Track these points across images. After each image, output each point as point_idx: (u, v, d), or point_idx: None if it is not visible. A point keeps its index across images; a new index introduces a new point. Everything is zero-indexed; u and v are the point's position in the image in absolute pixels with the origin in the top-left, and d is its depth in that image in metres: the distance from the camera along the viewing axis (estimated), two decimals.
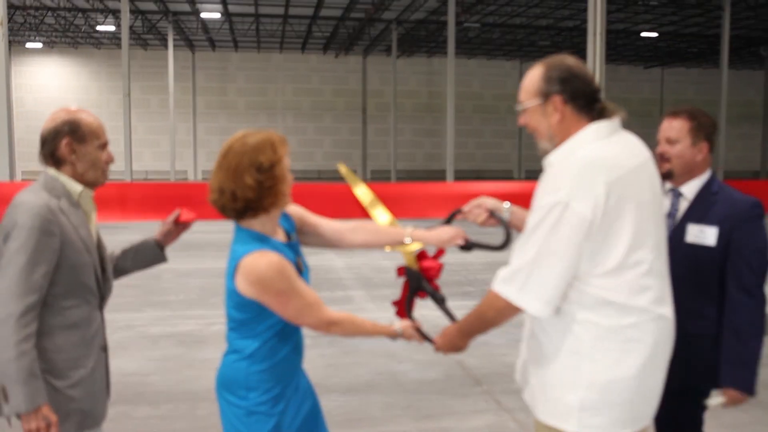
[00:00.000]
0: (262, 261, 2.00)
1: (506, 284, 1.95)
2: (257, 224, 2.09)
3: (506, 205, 2.40)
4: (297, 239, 2.29)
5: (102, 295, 2.33)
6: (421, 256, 2.46)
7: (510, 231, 2.33)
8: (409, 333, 2.29)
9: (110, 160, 2.33)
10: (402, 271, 2.49)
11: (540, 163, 2.08)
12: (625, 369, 1.91)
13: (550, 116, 1.99)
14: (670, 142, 2.51)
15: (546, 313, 1.91)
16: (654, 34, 31.42)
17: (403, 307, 2.47)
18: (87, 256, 2.23)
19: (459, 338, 2.19)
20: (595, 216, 1.84)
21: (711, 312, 2.48)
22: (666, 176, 2.52)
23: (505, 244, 2.30)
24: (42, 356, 2.12)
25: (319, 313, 2.09)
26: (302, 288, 2.06)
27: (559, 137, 1.99)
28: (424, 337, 2.32)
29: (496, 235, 2.40)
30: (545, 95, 1.99)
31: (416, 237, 2.36)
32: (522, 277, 1.91)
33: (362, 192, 2.71)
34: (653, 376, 1.98)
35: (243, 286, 2.02)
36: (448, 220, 2.48)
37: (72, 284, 2.19)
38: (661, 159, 2.51)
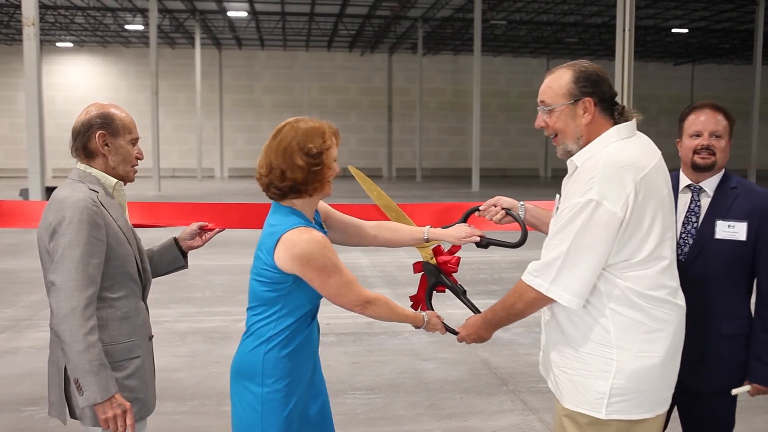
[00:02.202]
0: (306, 236, 2.05)
1: (538, 277, 2.02)
2: (298, 205, 2.16)
3: (521, 204, 2.47)
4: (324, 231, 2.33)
5: (143, 285, 2.36)
6: (437, 251, 2.53)
7: (526, 228, 2.38)
8: (434, 322, 2.35)
9: (140, 156, 2.36)
10: (419, 266, 2.55)
11: (565, 162, 2.12)
12: (651, 356, 1.99)
13: (580, 118, 2.06)
14: (716, 136, 2.51)
15: (576, 305, 1.98)
16: (684, 30, 30.93)
17: (423, 301, 2.53)
18: (129, 247, 2.26)
19: (484, 329, 2.25)
20: (625, 214, 1.92)
21: (744, 310, 2.47)
22: (707, 168, 2.51)
23: (521, 242, 2.35)
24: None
25: (358, 291, 2.14)
26: (342, 266, 2.11)
27: (586, 138, 2.08)
28: (447, 327, 2.39)
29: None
30: (576, 97, 2.06)
31: (434, 235, 2.45)
32: (554, 271, 1.98)
33: (375, 193, 2.69)
34: (673, 361, 2.07)
35: (284, 260, 2.05)
36: (465, 219, 2.53)
37: (119, 276, 2.22)
38: (706, 152, 2.50)
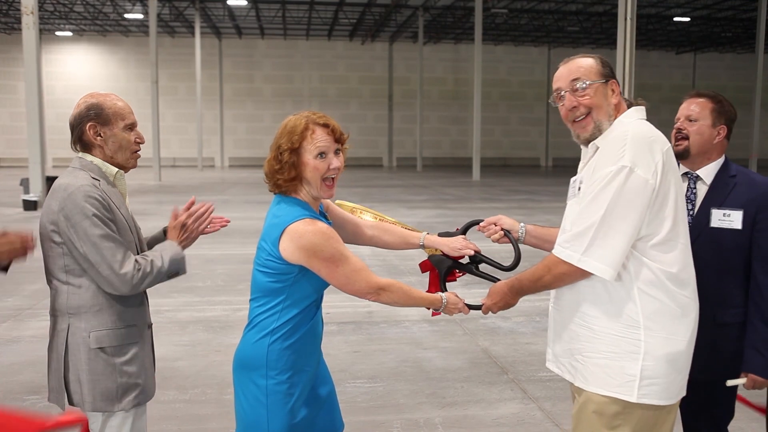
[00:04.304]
0: (312, 227, 2.05)
1: (568, 248, 1.99)
2: (303, 196, 2.16)
3: (521, 225, 2.47)
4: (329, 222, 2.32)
5: None
6: None
7: (520, 253, 2.37)
8: (453, 301, 2.31)
9: (140, 140, 2.35)
10: (427, 263, 2.54)
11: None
12: (678, 341, 2.00)
13: (610, 97, 2.12)
14: (690, 119, 2.52)
15: (610, 275, 1.94)
16: (686, 19, 30.81)
17: (437, 289, 2.51)
18: (130, 235, 2.27)
19: (511, 295, 2.23)
20: (656, 182, 1.94)
21: (738, 299, 2.46)
22: (681, 155, 2.51)
23: (513, 266, 2.34)
24: (99, 336, 2.18)
25: (369, 278, 2.12)
26: (350, 254, 2.10)
27: (614, 118, 2.12)
28: (469, 305, 2.35)
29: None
30: (606, 77, 2.12)
31: (430, 242, 2.47)
32: (586, 240, 1.95)
33: (368, 217, 2.62)
34: (691, 349, 2.07)
35: (290, 251, 2.04)
36: (464, 231, 2.53)
37: None
38: (678, 136, 2.52)
